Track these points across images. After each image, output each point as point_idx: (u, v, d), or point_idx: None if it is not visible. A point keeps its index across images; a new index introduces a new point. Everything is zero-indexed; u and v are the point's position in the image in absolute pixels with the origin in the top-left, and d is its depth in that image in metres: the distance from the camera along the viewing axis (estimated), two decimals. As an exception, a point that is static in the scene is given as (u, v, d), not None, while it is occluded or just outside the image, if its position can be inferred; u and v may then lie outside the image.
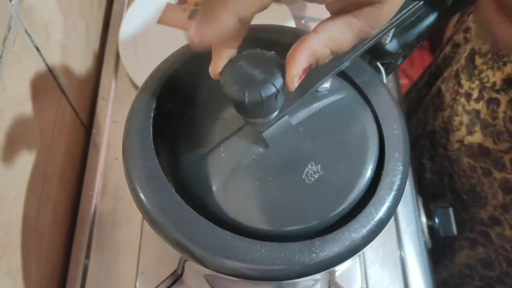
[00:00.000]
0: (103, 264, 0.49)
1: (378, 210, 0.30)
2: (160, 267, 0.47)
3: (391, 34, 0.37)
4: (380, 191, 0.30)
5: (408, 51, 0.40)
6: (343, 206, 0.31)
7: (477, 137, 0.57)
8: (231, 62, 0.28)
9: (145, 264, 0.48)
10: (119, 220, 0.51)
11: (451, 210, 0.52)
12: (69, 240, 0.51)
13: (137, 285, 0.47)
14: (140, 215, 0.51)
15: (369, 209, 0.30)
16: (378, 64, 0.39)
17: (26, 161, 0.43)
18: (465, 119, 0.59)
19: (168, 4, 0.65)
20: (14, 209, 0.41)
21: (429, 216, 0.53)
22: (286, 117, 0.32)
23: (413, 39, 0.38)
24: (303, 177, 0.31)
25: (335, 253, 0.28)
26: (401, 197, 0.31)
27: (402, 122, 0.34)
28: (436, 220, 0.52)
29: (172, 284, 0.45)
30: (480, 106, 0.57)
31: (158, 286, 0.45)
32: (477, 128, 0.57)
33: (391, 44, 0.37)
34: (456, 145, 0.61)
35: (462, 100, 0.60)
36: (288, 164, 0.32)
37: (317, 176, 0.31)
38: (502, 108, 0.54)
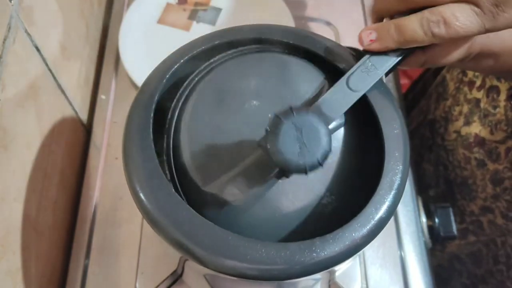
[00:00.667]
0: (103, 264, 0.49)
1: (378, 209, 0.30)
2: (160, 267, 0.47)
3: None
4: (380, 191, 0.30)
5: (408, 51, 0.40)
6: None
7: (474, 127, 0.57)
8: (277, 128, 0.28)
9: (145, 264, 0.48)
10: (119, 220, 0.51)
11: (451, 210, 0.52)
12: (69, 240, 0.51)
13: (137, 285, 0.47)
14: (140, 215, 0.51)
15: (369, 208, 0.30)
16: None
17: (26, 161, 0.43)
18: (465, 108, 0.59)
19: (168, 4, 0.65)
20: (14, 209, 0.41)
21: (429, 216, 0.53)
22: None
23: None
24: (318, 207, 0.31)
25: (335, 253, 0.28)
26: (401, 196, 0.31)
27: (401, 122, 0.34)
28: (436, 220, 0.52)
29: (172, 284, 0.45)
30: (481, 94, 0.57)
31: (158, 286, 0.45)
32: (475, 118, 0.57)
33: None
34: (453, 136, 0.61)
35: (465, 89, 0.60)
36: (301, 196, 0.32)
37: (332, 206, 0.31)
38: (502, 96, 0.54)
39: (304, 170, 0.27)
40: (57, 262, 0.50)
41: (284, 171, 0.29)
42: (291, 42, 0.37)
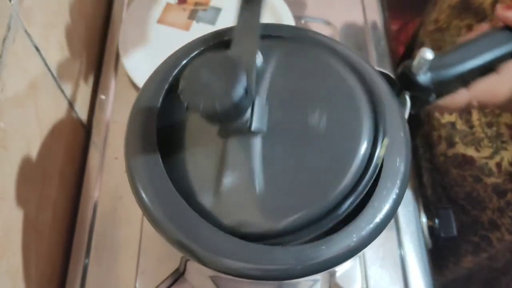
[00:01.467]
0: (103, 263, 0.49)
1: (382, 208, 0.30)
2: (160, 267, 0.47)
3: (426, 65, 0.34)
4: (386, 182, 0.31)
5: (444, 91, 0.37)
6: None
7: (459, 148, 0.57)
8: (191, 68, 0.27)
9: (145, 264, 0.48)
10: (119, 220, 0.51)
11: (451, 211, 0.52)
12: (69, 239, 0.51)
13: (137, 285, 0.47)
14: (140, 215, 0.51)
15: (371, 206, 0.30)
16: (406, 95, 0.36)
17: (26, 161, 0.43)
18: (443, 132, 0.59)
19: (168, 4, 0.65)
20: (14, 209, 0.41)
21: (430, 216, 0.53)
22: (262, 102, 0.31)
23: (450, 79, 0.35)
24: (314, 127, 0.31)
25: (336, 253, 0.28)
26: (402, 197, 0.31)
27: (406, 135, 0.33)
28: (437, 220, 0.52)
29: (173, 283, 0.45)
30: (454, 117, 0.57)
31: (160, 284, 0.45)
32: (457, 139, 0.57)
33: (423, 76, 0.34)
34: (441, 158, 0.61)
35: (436, 115, 0.59)
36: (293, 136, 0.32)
37: (325, 120, 0.31)
38: (475, 116, 0.53)
39: (215, 110, 0.26)
40: (57, 262, 0.50)
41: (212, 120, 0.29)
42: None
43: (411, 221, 0.52)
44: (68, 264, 0.50)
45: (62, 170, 0.51)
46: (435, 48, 0.60)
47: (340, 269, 0.46)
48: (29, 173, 0.43)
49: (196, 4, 0.65)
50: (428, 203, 0.66)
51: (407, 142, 0.33)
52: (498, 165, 0.53)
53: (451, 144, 0.59)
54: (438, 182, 0.63)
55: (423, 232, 0.52)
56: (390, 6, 0.71)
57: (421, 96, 0.36)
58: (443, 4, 0.60)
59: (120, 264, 0.49)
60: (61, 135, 0.51)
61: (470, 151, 0.55)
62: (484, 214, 0.58)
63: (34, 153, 0.44)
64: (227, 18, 0.64)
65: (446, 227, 0.51)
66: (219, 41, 0.37)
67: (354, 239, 0.29)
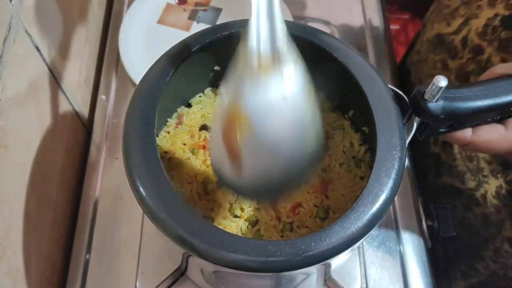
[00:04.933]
0: (103, 263, 0.49)
1: (374, 202, 0.31)
2: (160, 267, 0.47)
3: (439, 93, 0.32)
4: (374, 184, 0.31)
5: (457, 124, 0.35)
6: None
7: (446, 179, 0.58)
8: None
9: (145, 264, 0.48)
10: (119, 220, 0.51)
11: (450, 211, 0.52)
12: (69, 239, 0.51)
13: (137, 284, 0.47)
14: (140, 215, 0.51)
15: (365, 199, 0.31)
16: (415, 121, 0.35)
17: (26, 161, 0.43)
18: (432, 162, 0.59)
19: (168, 4, 0.65)
20: (15, 209, 0.41)
21: (429, 216, 0.53)
22: None
23: (462, 112, 0.33)
24: None
25: (330, 246, 0.29)
26: (396, 191, 0.32)
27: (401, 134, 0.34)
28: (436, 220, 0.52)
29: (174, 283, 0.45)
30: (438, 149, 0.57)
31: (160, 284, 0.45)
32: (443, 171, 0.57)
33: (434, 104, 0.33)
34: (431, 188, 0.61)
35: (424, 144, 0.60)
36: None
37: None
38: (456, 149, 0.54)
39: None
40: (57, 261, 0.50)
41: None
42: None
43: (411, 221, 0.52)
44: (69, 264, 0.50)
45: (62, 170, 0.51)
46: (417, 79, 0.61)
47: (335, 262, 0.46)
48: (29, 173, 0.43)
49: (196, 4, 0.65)
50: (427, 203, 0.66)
51: (402, 142, 0.34)
52: (484, 197, 0.52)
53: (439, 174, 0.59)
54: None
55: (422, 232, 0.52)
56: (390, 6, 0.71)
57: (431, 124, 0.34)
58: (423, 36, 0.61)
59: (120, 264, 0.49)
60: (61, 135, 0.51)
61: (457, 183, 0.56)
62: (474, 240, 0.58)
63: (34, 153, 0.44)
64: (228, 19, 0.64)
65: (445, 227, 0.51)
66: (217, 37, 0.37)
67: (348, 232, 0.30)
